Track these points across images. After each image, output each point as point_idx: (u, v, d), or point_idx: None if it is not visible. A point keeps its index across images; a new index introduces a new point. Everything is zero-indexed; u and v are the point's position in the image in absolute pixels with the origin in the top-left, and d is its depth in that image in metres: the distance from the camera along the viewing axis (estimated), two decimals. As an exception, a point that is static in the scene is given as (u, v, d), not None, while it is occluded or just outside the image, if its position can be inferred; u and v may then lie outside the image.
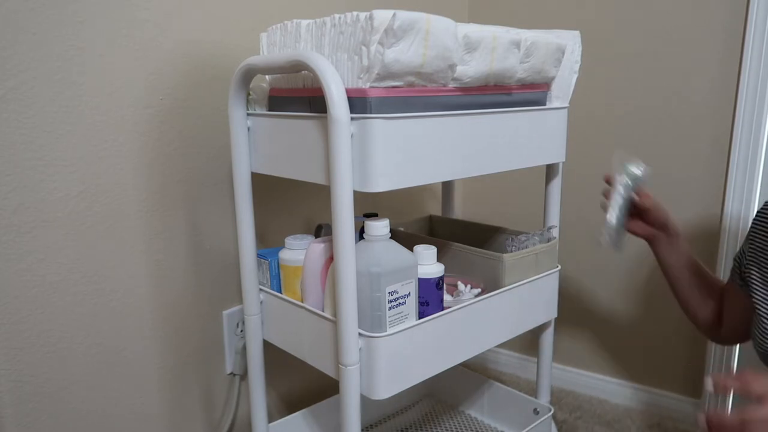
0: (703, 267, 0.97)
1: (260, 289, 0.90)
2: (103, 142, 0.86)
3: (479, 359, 1.68)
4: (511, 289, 0.89)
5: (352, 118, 0.67)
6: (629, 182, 0.89)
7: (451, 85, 0.75)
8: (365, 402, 0.75)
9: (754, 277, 0.86)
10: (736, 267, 0.92)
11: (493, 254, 0.89)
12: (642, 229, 0.94)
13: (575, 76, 0.92)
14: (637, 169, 0.89)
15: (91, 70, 0.83)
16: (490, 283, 0.90)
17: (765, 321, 0.83)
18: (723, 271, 1.25)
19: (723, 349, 1.31)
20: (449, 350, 0.83)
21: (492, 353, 1.67)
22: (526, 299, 0.93)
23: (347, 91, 0.67)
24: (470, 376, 1.19)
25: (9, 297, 0.79)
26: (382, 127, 0.67)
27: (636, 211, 0.92)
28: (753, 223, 0.88)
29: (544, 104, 0.91)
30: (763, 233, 0.86)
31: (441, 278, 0.80)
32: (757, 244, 0.86)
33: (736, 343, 1.04)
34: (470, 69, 0.74)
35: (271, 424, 0.97)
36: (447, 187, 1.23)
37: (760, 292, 0.85)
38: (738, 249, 0.94)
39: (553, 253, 0.97)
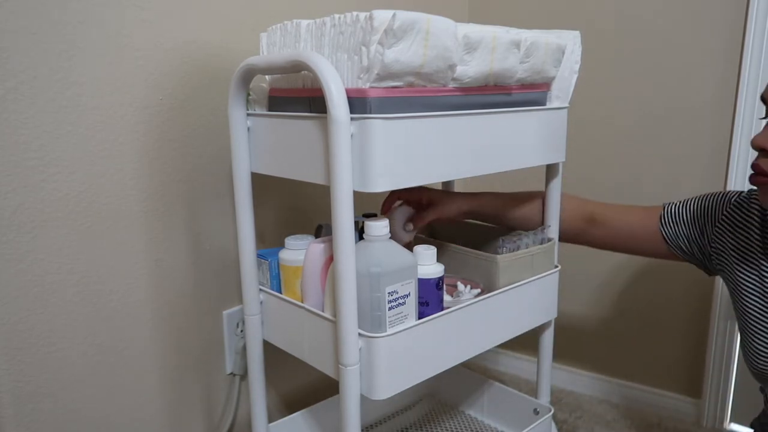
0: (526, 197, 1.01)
1: (260, 289, 0.90)
2: (103, 142, 0.86)
3: (479, 359, 1.68)
4: (510, 289, 0.89)
5: (352, 119, 0.66)
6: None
7: (451, 85, 0.75)
8: (365, 402, 0.75)
9: (744, 281, 0.85)
10: (672, 223, 0.94)
11: (487, 255, 0.89)
12: (423, 220, 0.97)
13: (575, 76, 0.92)
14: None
15: (91, 70, 0.83)
16: (485, 284, 0.90)
17: (758, 341, 0.82)
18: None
19: (723, 350, 1.31)
20: (449, 350, 0.83)
21: (492, 353, 1.67)
22: (526, 299, 0.93)
23: (347, 91, 0.67)
24: (470, 376, 1.19)
25: (9, 297, 0.79)
26: (382, 127, 0.67)
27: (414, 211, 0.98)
28: (733, 212, 0.89)
29: (544, 104, 0.90)
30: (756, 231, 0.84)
31: (441, 278, 0.80)
32: (746, 242, 0.85)
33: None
34: (470, 69, 0.74)
35: (271, 424, 0.97)
36: (447, 187, 1.23)
37: (756, 304, 0.83)
38: (690, 213, 0.94)
39: (551, 253, 0.97)
